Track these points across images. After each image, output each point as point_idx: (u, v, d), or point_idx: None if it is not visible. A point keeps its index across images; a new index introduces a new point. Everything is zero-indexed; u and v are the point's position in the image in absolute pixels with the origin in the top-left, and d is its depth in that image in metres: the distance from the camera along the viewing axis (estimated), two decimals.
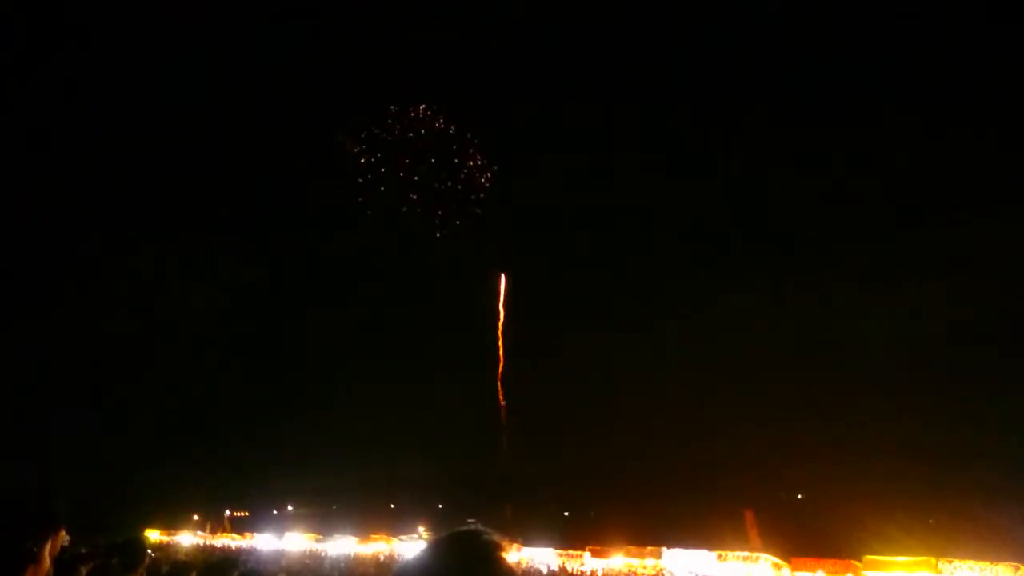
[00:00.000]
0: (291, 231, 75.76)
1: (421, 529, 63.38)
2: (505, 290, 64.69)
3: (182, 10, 54.15)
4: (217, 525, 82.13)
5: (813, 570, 39.20)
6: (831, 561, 39.41)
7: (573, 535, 54.65)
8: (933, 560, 36.04)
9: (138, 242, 72.84)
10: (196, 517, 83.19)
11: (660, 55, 64.44)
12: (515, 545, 47.65)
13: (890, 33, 59.48)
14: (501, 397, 58.57)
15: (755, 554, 42.61)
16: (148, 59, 60.50)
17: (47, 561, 3.38)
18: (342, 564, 51.11)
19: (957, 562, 35.74)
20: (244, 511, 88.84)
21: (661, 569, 44.88)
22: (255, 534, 76.51)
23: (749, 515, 51.33)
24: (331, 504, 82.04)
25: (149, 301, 76.05)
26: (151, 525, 73.32)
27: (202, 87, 65.64)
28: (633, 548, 46.86)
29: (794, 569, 40.24)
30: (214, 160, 70.32)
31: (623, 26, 58.64)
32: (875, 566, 37.08)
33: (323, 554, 62.34)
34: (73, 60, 59.66)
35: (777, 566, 40.91)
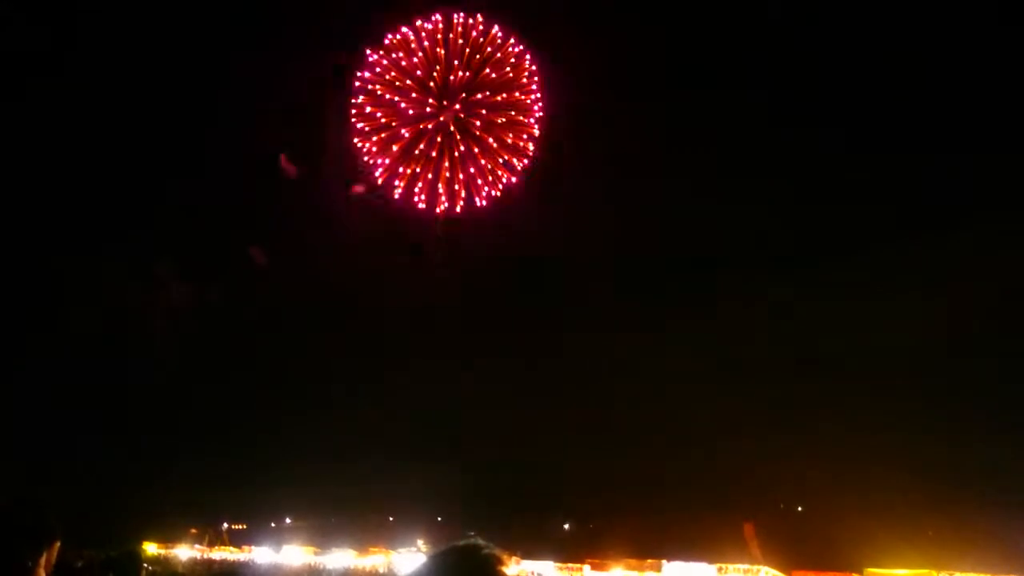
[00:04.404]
0: (285, 238, 75.73)
1: (420, 542, 63.00)
2: None
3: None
4: (215, 538, 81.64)
5: None
6: (832, 573, 39.29)
7: (573, 548, 54.44)
8: (934, 572, 35.96)
9: (133, 250, 72.97)
10: (194, 530, 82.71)
11: None
12: (514, 558, 47.41)
13: (887, 33, 59.78)
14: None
15: (756, 567, 42.41)
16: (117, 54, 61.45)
17: (43, 574, 3.35)
18: None
19: (958, 574, 35.62)
20: (242, 524, 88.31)
21: None
22: (253, 547, 76.12)
23: (749, 528, 51.07)
24: (329, 517, 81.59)
25: (146, 312, 75.98)
26: (148, 538, 72.91)
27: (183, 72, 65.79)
28: (633, 561, 46.66)
29: None
30: (203, 161, 70.77)
31: None
32: None
33: (321, 567, 62.09)
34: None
35: None
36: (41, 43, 57.60)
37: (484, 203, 61.75)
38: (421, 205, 61.86)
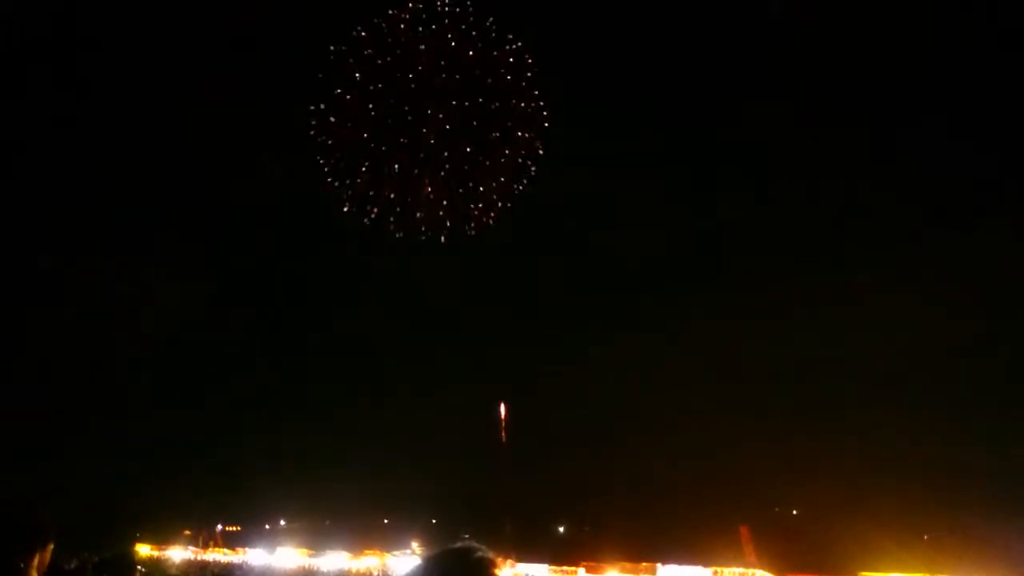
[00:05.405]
0: (281, 239, 75.56)
1: (414, 545, 62.93)
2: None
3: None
4: (209, 540, 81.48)
5: None
6: None
7: (567, 551, 54.44)
8: None
9: (128, 250, 72.80)
10: (187, 532, 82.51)
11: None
12: (509, 561, 47.41)
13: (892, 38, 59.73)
14: None
15: (750, 570, 42.45)
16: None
17: None
18: None
19: None
20: (236, 526, 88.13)
21: None
22: (247, 549, 75.96)
23: (744, 531, 51.11)
24: (324, 519, 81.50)
25: (140, 315, 75.84)
26: (142, 539, 72.74)
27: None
28: (628, 564, 46.70)
29: None
30: (204, 163, 70.44)
31: None
32: None
33: (315, 569, 61.99)
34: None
35: None
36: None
37: (474, 232, 55.11)
38: (398, 235, 55.24)
